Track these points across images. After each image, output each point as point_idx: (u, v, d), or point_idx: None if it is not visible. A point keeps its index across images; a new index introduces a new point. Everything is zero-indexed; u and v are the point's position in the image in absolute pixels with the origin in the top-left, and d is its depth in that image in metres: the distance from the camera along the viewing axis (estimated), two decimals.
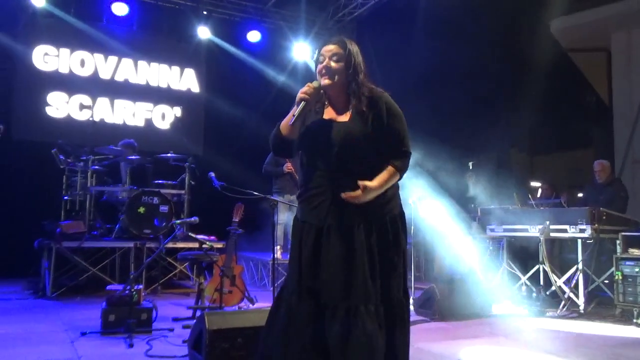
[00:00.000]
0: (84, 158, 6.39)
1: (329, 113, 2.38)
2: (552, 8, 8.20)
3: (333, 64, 2.31)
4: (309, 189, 2.33)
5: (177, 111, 9.02)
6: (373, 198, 2.22)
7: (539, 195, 7.34)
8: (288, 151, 2.44)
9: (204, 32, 9.03)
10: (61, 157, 6.41)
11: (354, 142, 2.27)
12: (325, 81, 2.31)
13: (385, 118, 2.29)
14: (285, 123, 2.34)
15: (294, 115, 2.26)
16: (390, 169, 2.28)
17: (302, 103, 2.25)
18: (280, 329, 2.25)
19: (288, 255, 2.56)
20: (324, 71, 2.32)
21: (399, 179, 2.34)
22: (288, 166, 6.85)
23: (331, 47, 2.33)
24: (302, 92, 2.27)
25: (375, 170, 2.27)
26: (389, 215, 2.30)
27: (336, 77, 2.31)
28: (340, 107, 2.37)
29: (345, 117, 2.33)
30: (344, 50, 2.32)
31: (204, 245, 4.47)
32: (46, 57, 8.19)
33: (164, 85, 9.06)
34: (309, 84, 2.31)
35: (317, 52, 2.41)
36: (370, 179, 2.22)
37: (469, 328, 4.54)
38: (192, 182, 6.81)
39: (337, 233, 2.22)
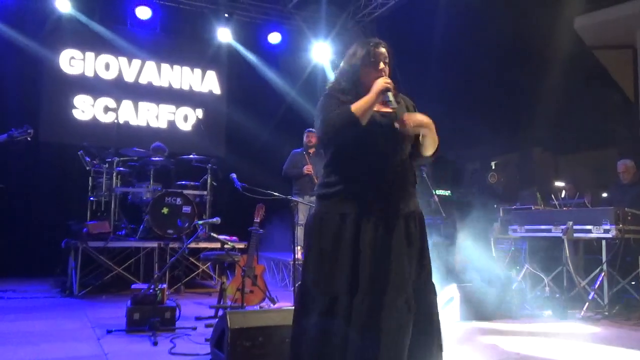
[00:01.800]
0: (109, 160, 6.53)
1: None
2: (575, 5, 8.08)
3: (387, 69, 2.42)
4: (350, 179, 2.30)
5: (199, 113, 9.13)
6: (410, 190, 2.33)
7: (562, 195, 7.25)
8: (347, 139, 2.31)
9: (225, 35, 9.13)
10: (87, 158, 6.55)
11: (404, 132, 2.33)
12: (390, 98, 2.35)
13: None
14: (365, 106, 2.26)
15: (389, 101, 2.29)
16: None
17: (389, 92, 2.29)
18: (333, 332, 2.18)
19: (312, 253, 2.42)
20: (390, 89, 2.35)
21: (432, 156, 2.44)
22: (308, 168, 6.89)
23: (383, 51, 2.43)
24: (386, 82, 2.31)
25: (409, 164, 2.38)
26: (417, 210, 2.38)
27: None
28: None
29: (386, 108, 2.38)
30: (390, 54, 2.44)
31: (225, 246, 4.52)
32: (72, 61, 8.37)
33: (186, 87, 9.19)
34: (385, 77, 2.36)
35: (364, 48, 2.42)
36: (408, 171, 2.36)
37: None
38: (214, 183, 6.90)
39: (384, 222, 2.25)
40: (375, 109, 2.35)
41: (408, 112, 2.42)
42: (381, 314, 2.16)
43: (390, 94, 2.30)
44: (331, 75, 9.92)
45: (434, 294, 2.36)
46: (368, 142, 2.30)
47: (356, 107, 2.26)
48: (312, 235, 2.37)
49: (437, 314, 2.33)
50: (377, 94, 2.28)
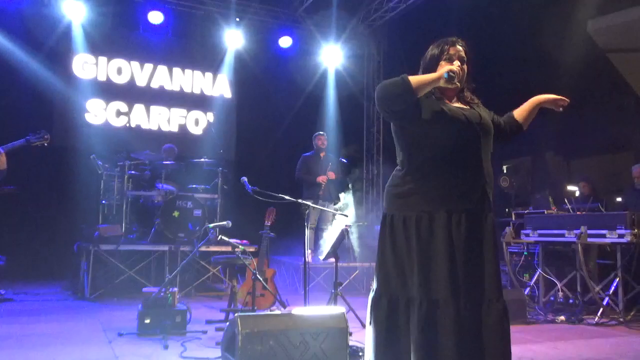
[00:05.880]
0: (121, 163, 6.57)
1: (447, 101, 2.33)
2: (588, 8, 8.01)
3: (464, 67, 2.34)
4: (438, 176, 2.21)
5: (210, 117, 9.17)
6: (491, 186, 2.30)
7: (577, 194, 7.16)
8: (404, 108, 2.18)
9: (236, 38, 9.16)
10: (99, 162, 6.60)
11: (489, 128, 2.33)
12: (456, 84, 2.25)
13: (489, 113, 2.46)
14: (424, 80, 2.17)
15: (452, 75, 2.16)
16: None
17: (454, 75, 2.20)
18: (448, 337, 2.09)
19: (384, 257, 2.28)
20: (455, 73, 2.24)
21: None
22: (322, 179, 6.89)
23: (460, 48, 2.35)
24: (454, 67, 2.21)
25: (491, 160, 2.33)
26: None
27: (463, 80, 2.33)
28: (450, 98, 2.36)
29: (466, 106, 2.35)
30: (466, 54, 2.37)
31: (236, 249, 4.52)
32: (85, 66, 8.45)
33: (197, 91, 9.23)
34: (455, 66, 2.26)
35: (439, 46, 2.37)
36: (490, 167, 2.31)
37: None
38: (225, 187, 6.91)
39: (486, 220, 2.22)
40: (457, 105, 2.30)
41: (486, 112, 2.41)
42: (482, 319, 2.12)
43: (452, 75, 2.18)
44: (341, 78, 9.95)
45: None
46: (453, 138, 2.21)
47: (414, 77, 2.17)
48: (391, 235, 2.26)
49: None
50: (441, 74, 2.17)
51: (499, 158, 8.97)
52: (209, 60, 9.27)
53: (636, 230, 5.02)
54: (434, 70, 2.33)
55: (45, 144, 4.79)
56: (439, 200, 2.20)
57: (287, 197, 4.46)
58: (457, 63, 2.29)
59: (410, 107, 2.19)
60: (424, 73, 2.37)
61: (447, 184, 2.21)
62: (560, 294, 5.62)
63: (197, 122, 9.17)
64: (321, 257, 5.44)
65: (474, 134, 2.26)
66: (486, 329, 2.12)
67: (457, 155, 2.22)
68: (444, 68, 2.22)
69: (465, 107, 2.35)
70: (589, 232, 5.27)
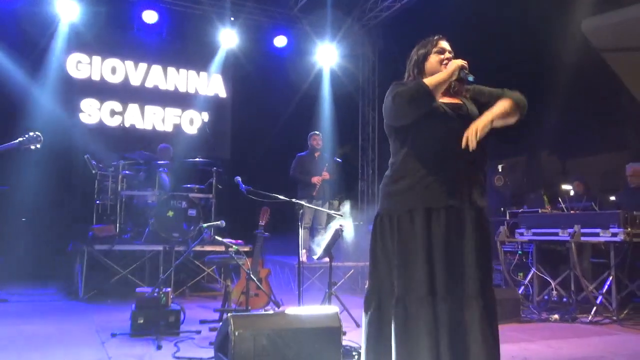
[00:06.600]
0: (115, 163, 6.55)
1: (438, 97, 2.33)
2: (582, 8, 8.03)
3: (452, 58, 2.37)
4: (418, 172, 2.21)
5: (205, 116, 9.15)
6: (482, 184, 2.26)
7: (572, 194, 7.18)
8: (418, 113, 2.20)
9: (231, 38, 9.14)
10: (93, 162, 6.58)
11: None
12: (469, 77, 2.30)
13: (478, 102, 2.39)
14: (439, 80, 2.20)
15: (467, 75, 2.23)
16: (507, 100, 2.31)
17: (465, 70, 2.24)
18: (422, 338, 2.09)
19: (375, 256, 2.31)
20: (466, 67, 2.31)
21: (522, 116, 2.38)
22: (317, 180, 6.88)
23: (447, 44, 2.41)
24: (462, 62, 2.26)
25: (482, 156, 2.29)
26: (486, 207, 2.30)
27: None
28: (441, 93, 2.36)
29: (456, 100, 2.34)
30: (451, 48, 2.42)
31: (230, 249, 4.51)
32: (79, 65, 8.42)
33: (192, 91, 9.22)
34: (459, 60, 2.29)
35: (427, 42, 2.42)
36: (480, 164, 2.27)
37: None
38: (220, 186, 6.90)
39: (469, 216, 2.20)
40: (442, 101, 2.28)
41: (474, 103, 2.36)
42: (464, 316, 2.11)
43: (466, 71, 2.24)
44: (337, 78, 9.95)
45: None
46: (435, 133, 2.22)
47: (429, 79, 2.21)
48: (381, 236, 2.29)
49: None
50: (453, 70, 2.22)
51: (494, 157, 8.98)
52: (203, 60, 9.25)
53: (629, 229, 5.03)
54: (423, 67, 2.37)
55: (38, 146, 4.77)
56: (419, 198, 2.21)
57: (281, 197, 4.46)
58: (447, 54, 2.36)
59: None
60: (414, 73, 2.40)
61: (429, 181, 2.21)
62: (554, 292, 5.63)
63: (192, 121, 9.15)
64: (315, 257, 5.44)
65: (458, 129, 2.22)
66: (468, 327, 2.11)
67: (439, 151, 2.22)
68: (452, 64, 2.26)
69: (452, 100, 2.34)
70: (583, 230, 5.28)
